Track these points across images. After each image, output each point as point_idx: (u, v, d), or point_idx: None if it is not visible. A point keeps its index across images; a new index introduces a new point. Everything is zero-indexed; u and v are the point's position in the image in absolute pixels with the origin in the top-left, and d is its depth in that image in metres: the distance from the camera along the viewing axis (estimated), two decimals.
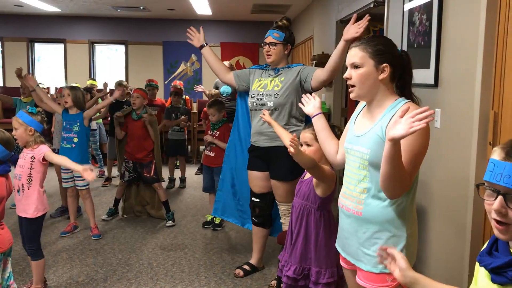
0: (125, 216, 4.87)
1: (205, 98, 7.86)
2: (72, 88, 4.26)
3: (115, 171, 6.33)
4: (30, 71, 10.14)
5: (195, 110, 8.43)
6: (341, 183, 1.96)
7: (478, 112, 2.32)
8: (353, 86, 1.80)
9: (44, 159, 2.95)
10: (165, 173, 6.02)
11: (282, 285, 2.57)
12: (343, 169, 1.97)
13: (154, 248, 4.01)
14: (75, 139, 4.13)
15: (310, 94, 2.33)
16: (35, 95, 4.42)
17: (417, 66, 2.83)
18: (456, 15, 2.59)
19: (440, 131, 2.72)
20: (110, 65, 10.74)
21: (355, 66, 1.78)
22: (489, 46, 2.27)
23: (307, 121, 3.00)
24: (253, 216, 3.36)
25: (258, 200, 3.29)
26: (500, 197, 1.07)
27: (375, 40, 1.79)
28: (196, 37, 3.41)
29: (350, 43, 2.60)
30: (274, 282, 3.24)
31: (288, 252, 2.51)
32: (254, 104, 3.16)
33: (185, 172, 6.37)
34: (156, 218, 4.79)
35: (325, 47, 5.99)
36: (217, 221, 4.51)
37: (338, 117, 5.70)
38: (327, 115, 5.73)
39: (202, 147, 6.99)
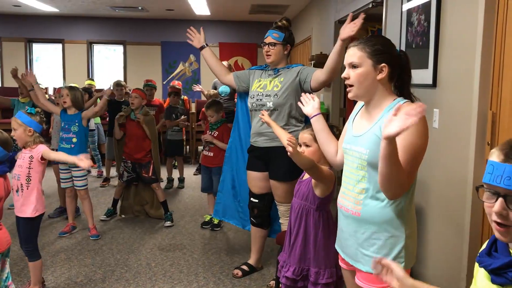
0: (123, 215, 4.86)
1: (203, 98, 7.86)
2: (70, 88, 4.26)
3: (113, 172, 6.32)
4: (28, 71, 10.09)
5: (193, 110, 8.42)
6: (340, 183, 1.96)
7: (476, 112, 2.32)
8: (351, 86, 1.80)
9: (42, 158, 2.95)
10: (164, 173, 6.02)
11: (280, 285, 2.57)
12: (342, 169, 1.97)
13: (152, 249, 4.00)
14: (74, 139, 4.13)
15: (310, 94, 2.33)
16: (33, 94, 4.42)
17: (415, 66, 2.84)
18: (454, 15, 2.60)
19: (438, 131, 2.72)
20: (109, 65, 10.74)
21: (353, 66, 1.78)
22: (487, 46, 2.28)
23: (306, 121, 3.00)
24: (252, 216, 3.36)
25: (256, 200, 3.28)
26: (500, 199, 1.07)
27: (374, 40, 1.79)
28: (197, 37, 3.41)
29: (346, 42, 2.61)
30: (272, 283, 3.24)
31: (287, 253, 2.50)
32: (253, 104, 3.16)
33: (184, 172, 6.37)
34: (155, 219, 4.78)
35: (324, 47, 5.99)
36: (216, 221, 4.50)
37: (336, 117, 5.70)
38: (326, 115, 5.73)
39: (200, 148, 6.99)
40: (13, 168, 2.84)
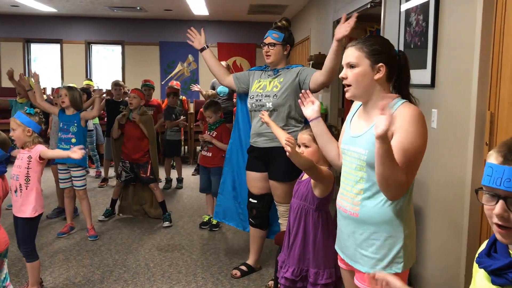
0: (121, 214, 4.86)
1: (202, 98, 7.85)
2: (69, 88, 4.24)
3: (112, 172, 6.31)
4: (27, 72, 10.11)
5: (192, 110, 8.42)
6: (338, 184, 1.96)
7: (475, 113, 2.32)
8: (349, 85, 1.81)
9: (41, 157, 2.95)
10: (162, 173, 6.01)
11: (279, 286, 2.57)
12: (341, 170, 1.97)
13: (151, 249, 4.00)
14: (73, 140, 4.11)
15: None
16: (31, 95, 4.41)
17: (414, 66, 2.84)
18: (453, 15, 2.60)
19: (437, 132, 2.73)
20: (107, 65, 10.72)
21: (351, 66, 1.78)
22: (485, 47, 2.28)
23: (306, 122, 3.00)
24: (250, 217, 3.35)
25: (255, 201, 3.28)
26: (501, 201, 1.06)
27: (372, 40, 1.79)
28: (197, 38, 3.40)
29: (343, 42, 2.61)
30: (271, 283, 3.24)
31: (286, 253, 2.50)
32: (253, 105, 3.16)
33: (182, 172, 6.36)
34: (153, 219, 4.78)
35: (322, 47, 5.99)
36: (214, 221, 4.50)
37: (335, 117, 5.71)
38: (324, 115, 5.73)
39: (199, 148, 6.99)
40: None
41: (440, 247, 2.72)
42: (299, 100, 2.20)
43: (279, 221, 3.21)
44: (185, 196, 5.81)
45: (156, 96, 7.49)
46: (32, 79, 4.38)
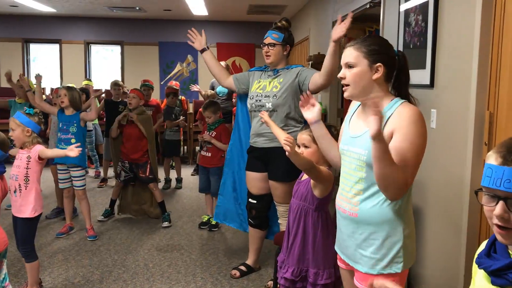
0: (120, 214, 4.85)
1: (201, 98, 7.86)
2: (68, 88, 4.24)
3: (111, 172, 6.30)
4: (26, 72, 10.10)
5: (191, 110, 8.41)
6: (338, 184, 1.96)
7: (474, 113, 2.32)
8: (347, 85, 1.81)
9: (40, 157, 2.95)
10: (161, 173, 6.01)
11: (279, 286, 2.57)
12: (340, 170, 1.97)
13: (150, 249, 4.00)
14: (73, 140, 4.10)
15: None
16: (29, 95, 4.41)
17: (413, 66, 2.84)
18: (452, 15, 2.60)
19: (436, 132, 2.73)
20: (106, 65, 10.72)
21: (349, 66, 1.78)
22: (484, 47, 2.28)
23: (305, 122, 2.99)
24: (250, 217, 3.35)
25: (255, 201, 3.28)
26: (501, 202, 1.06)
27: (370, 40, 1.79)
28: (198, 39, 3.40)
29: (341, 43, 2.61)
30: (270, 283, 3.24)
31: (285, 254, 2.50)
32: (253, 105, 3.16)
33: (181, 172, 6.36)
34: (152, 219, 4.78)
35: (321, 47, 5.99)
36: (213, 222, 4.50)
37: (334, 117, 5.71)
38: (324, 115, 5.73)
39: (198, 148, 6.98)
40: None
41: (440, 247, 2.72)
42: (300, 102, 2.19)
43: (279, 221, 3.20)
44: (184, 196, 5.81)
45: (155, 96, 7.48)
46: (33, 79, 4.37)
